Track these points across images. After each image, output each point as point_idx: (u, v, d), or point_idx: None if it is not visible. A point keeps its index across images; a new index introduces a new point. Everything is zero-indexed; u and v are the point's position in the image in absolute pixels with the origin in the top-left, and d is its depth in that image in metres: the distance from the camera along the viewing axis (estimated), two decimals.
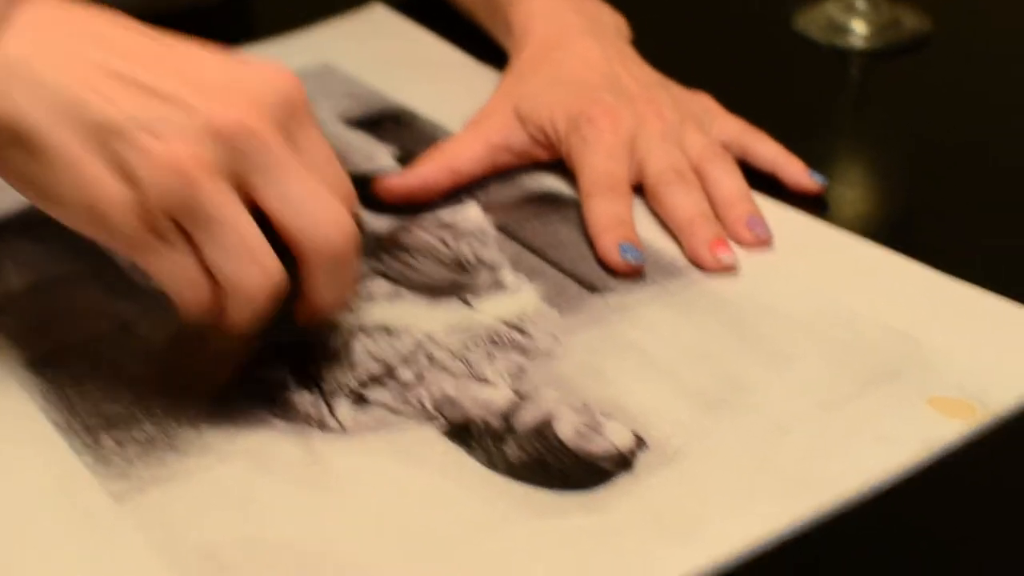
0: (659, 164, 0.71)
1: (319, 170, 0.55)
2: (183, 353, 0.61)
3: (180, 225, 0.53)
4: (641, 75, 0.77)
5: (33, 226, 0.71)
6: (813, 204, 0.73)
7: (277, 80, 0.55)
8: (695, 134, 0.74)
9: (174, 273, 0.54)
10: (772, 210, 0.71)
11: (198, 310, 0.55)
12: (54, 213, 0.55)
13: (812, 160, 0.75)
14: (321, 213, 0.54)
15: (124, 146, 0.52)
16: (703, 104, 0.78)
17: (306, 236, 0.54)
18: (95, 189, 0.52)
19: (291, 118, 0.54)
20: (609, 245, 0.67)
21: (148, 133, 0.52)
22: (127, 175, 0.52)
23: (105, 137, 0.52)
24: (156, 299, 0.64)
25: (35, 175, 0.54)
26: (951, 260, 0.67)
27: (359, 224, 0.57)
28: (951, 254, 0.68)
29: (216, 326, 0.56)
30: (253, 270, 0.53)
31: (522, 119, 0.75)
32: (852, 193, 0.77)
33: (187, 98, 0.53)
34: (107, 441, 0.55)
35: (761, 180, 0.74)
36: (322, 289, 0.56)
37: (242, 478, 0.54)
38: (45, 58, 0.53)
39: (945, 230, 0.72)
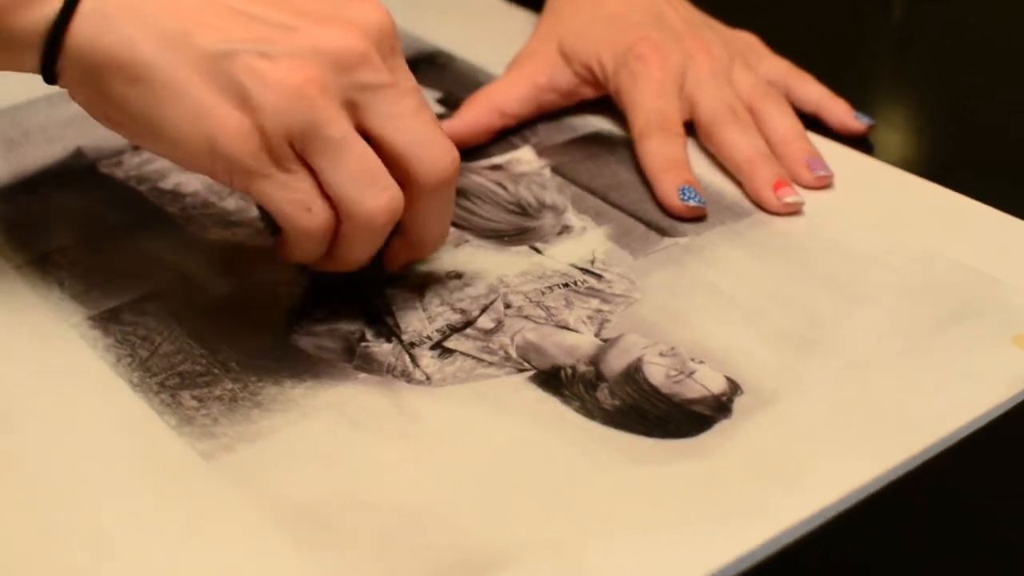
0: (711, 102, 0.70)
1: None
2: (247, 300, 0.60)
3: (296, 151, 0.52)
4: (685, 13, 0.76)
5: (71, 179, 0.69)
6: (858, 146, 0.72)
7: (374, 11, 0.54)
8: (744, 72, 0.73)
9: (292, 200, 0.53)
10: (828, 149, 0.70)
11: (313, 238, 0.54)
12: (163, 150, 0.53)
13: (857, 102, 0.74)
14: (429, 135, 0.54)
15: (238, 70, 0.51)
16: (748, 44, 0.77)
17: (415, 158, 0.54)
18: (212, 118, 0.51)
19: (386, 48, 0.54)
20: (668, 189, 0.66)
21: (262, 57, 0.51)
22: (243, 101, 0.51)
23: (218, 64, 0.51)
24: (213, 249, 0.63)
25: (147, 110, 0.52)
26: (996, 203, 0.66)
27: None
28: (997, 196, 0.67)
29: (325, 259, 0.56)
30: (376, 192, 0.53)
31: (567, 57, 0.74)
32: (897, 136, 0.76)
33: (296, 24, 0.52)
34: (187, 400, 0.54)
35: (805, 122, 0.73)
36: (426, 218, 0.56)
37: (330, 432, 0.52)
38: None
39: (991, 173, 0.71)
